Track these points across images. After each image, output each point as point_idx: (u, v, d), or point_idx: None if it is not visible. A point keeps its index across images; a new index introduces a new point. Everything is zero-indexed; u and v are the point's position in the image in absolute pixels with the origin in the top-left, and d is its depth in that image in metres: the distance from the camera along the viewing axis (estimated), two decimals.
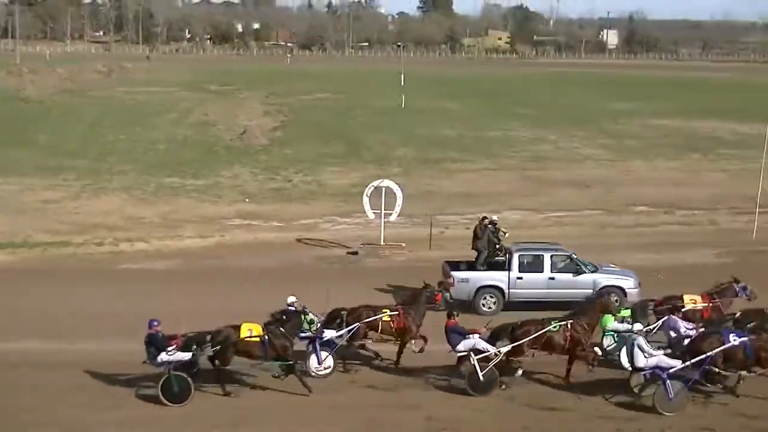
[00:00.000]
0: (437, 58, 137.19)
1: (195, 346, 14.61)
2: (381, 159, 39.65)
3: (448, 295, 18.19)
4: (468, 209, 29.26)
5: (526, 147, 43.49)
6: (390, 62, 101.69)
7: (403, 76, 63.15)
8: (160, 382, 14.51)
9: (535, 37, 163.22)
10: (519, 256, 20.21)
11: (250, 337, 14.86)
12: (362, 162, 38.82)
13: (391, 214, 25.01)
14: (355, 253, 24.73)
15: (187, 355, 14.61)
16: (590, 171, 37.20)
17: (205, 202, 31.02)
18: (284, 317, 15.22)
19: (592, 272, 20.03)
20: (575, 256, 20.20)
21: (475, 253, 20.99)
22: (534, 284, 19.95)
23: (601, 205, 30.90)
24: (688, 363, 14.73)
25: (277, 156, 40.47)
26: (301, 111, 57.98)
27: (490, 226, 21.22)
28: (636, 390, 15.00)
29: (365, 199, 24.98)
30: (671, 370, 14.59)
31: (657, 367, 14.80)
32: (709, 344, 14.87)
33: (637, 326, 15.46)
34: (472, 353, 15.40)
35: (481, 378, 15.27)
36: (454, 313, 16.15)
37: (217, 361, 14.87)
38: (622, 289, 19.76)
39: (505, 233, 21.80)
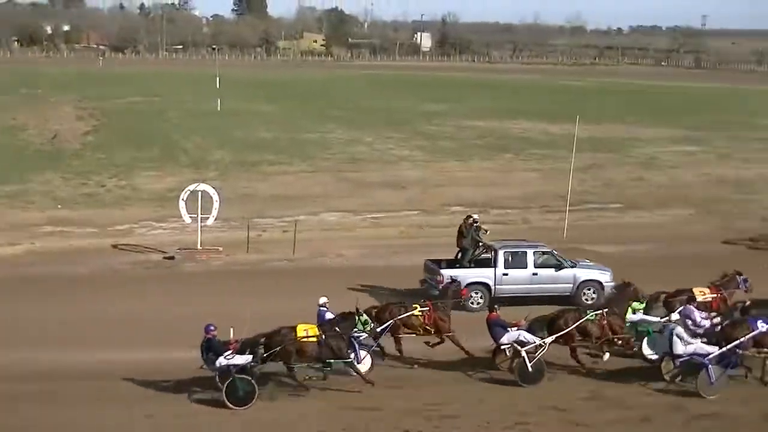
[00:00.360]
0: (253, 61, 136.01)
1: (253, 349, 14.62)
2: (197, 162, 39.23)
3: (437, 292, 18.80)
4: (285, 212, 29.41)
5: (342, 149, 43.95)
6: (205, 65, 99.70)
7: (218, 78, 61.42)
8: (225, 386, 14.45)
9: (350, 39, 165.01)
10: (504, 253, 20.90)
11: (307, 337, 15.08)
12: (178, 166, 38.48)
13: (207, 218, 24.92)
14: (172, 258, 24.57)
15: (245, 358, 14.65)
16: (406, 172, 37.80)
17: (15, 209, 30.23)
18: (338, 318, 15.56)
19: (572, 267, 20.91)
20: (555, 253, 21.08)
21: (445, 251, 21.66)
22: (518, 280, 20.67)
23: (417, 206, 31.48)
24: (725, 348, 15.53)
25: (90, 161, 39.59)
26: (114, 114, 56.24)
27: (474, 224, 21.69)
28: (668, 377, 15.81)
29: (181, 203, 24.86)
30: (710, 356, 15.46)
31: (695, 354, 15.66)
32: (740, 330, 15.80)
33: (674, 316, 16.50)
34: (517, 345, 15.89)
35: (530, 369, 15.76)
36: (496, 306, 16.76)
37: (281, 361, 15.01)
38: (600, 282, 20.73)
39: (486, 231, 22.22)
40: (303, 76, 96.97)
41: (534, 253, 21.16)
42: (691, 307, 17.07)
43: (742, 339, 15.76)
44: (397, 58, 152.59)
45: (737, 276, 18.92)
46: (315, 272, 22.85)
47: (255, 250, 24.60)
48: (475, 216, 22.50)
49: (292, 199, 31.73)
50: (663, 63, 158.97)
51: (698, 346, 15.95)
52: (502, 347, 16.40)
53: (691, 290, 17.98)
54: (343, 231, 26.51)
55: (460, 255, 21.66)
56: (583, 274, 21.05)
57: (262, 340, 15.03)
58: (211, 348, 14.71)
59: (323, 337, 15.21)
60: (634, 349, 16.81)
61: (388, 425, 13.91)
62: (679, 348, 15.86)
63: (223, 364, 14.66)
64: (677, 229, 28.32)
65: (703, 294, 18.10)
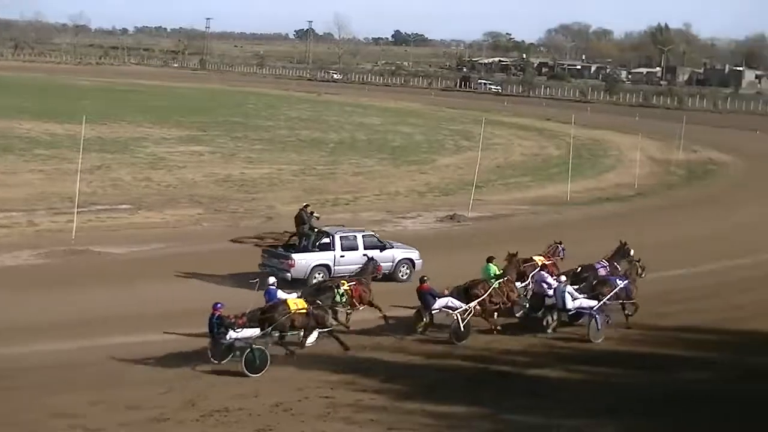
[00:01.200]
0: None
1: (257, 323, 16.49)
2: None
3: (289, 275, 21.95)
4: None
5: None
6: None
7: None
8: (243, 356, 16.07)
9: None
10: (340, 237, 23.43)
11: (298, 310, 17.13)
12: None
13: None
14: None
15: (253, 331, 16.48)
16: None
17: None
18: (318, 291, 18.15)
19: (391, 248, 23.91)
20: (377, 236, 24.13)
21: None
22: (352, 261, 22.77)
23: None
24: (604, 301, 19.29)
25: None
26: None
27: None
28: (551, 329, 19.21)
29: None
30: (594, 308, 19.11)
31: (581, 307, 19.29)
32: (609, 287, 19.68)
33: (563, 278, 19.88)
34: (449, 310, 18.53)
35: (462, 329, 18.52)
36: (425, 278, 19.08)
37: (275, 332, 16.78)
38: (411, 260, 24.14)
39: (318, 217, 24.56)
40: None
41: (362, 236, 23.89)
42: (543, 272, 20.40)
43: (611, 293, 19.48)
44: None
45: (558, 245, 22.83)
46: None
47: None
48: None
49: None
50: (174, 64, 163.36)
51: (582, 301, 19.40)
52: (433, 312, 18.80)
53: (532, 258, 21.60)
54: None
55: (301, 240, 23.88)
56: (399, 253, 24.17)
57: (259, 312, 16.79)
58: (223, 324, 16.33)
59: (311, 309, 17.27)
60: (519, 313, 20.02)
61: None
62: (570, 303, 19.33)
63: (234, 337, 16.34)
64: (186, 229, 28.85)
65: (542, 261, 21.37)
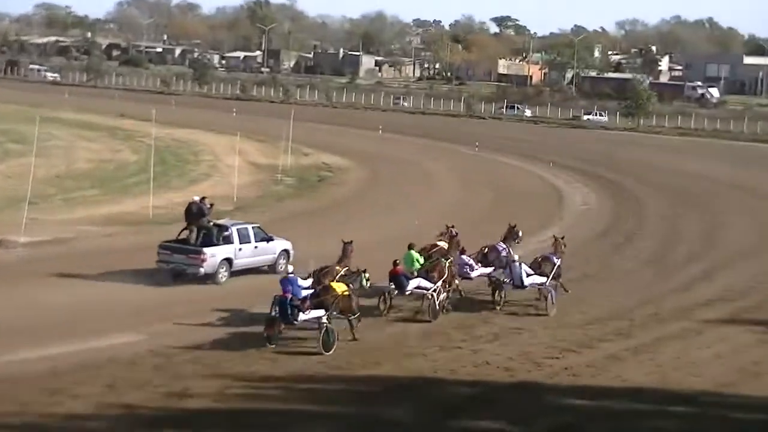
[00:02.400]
0: None
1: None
2: None
3: (202, 270, 28.70)
4: None
5: None
6: None
7: None
8: (321, 335, 22.67)
9: None
10: (237, 230, 30.01)
11: (344, 293, 23.98)
12: None
13: None
14: None
15: (319, 312, 23.22)
16: None
17: None
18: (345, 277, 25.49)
19: (272, 240, 30.93)
20: (262, 228, 31.10)
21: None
22: (247, 253, 30.00)
23: None
24: (551, 277, 27.94)
25: None
26: None
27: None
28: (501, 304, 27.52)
29: None
30: (547, 284, 27.74)
31: (534, 283, 27.73)
32: (551, 264, 28.18)
33: (516, 256, 28.49)
34: (423, 290, 26.31)
35: (437, 307, 26.18)
36: (397, 261, 26.47)
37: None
38: (288, 251, 31.32)
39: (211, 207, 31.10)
40: None
41: (252, 228, 30.77)
42: (464, 256, 28.83)
43: (555, 269, 28.01)
44: None
45: (452, 228, 30.11)
46: None
47: None
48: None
49: None
50: None
51: (535, 277, 27.78)
52: (407, 293, 26.38)
53: (436, 244, 29.25)
54: None
55: (199, 234, 29.71)
56: (280, 245, 31.30)
57: (314, 297, 23.57)
58: (294, 305, 22.86)
59: (352, 293, 24.12)
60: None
61: None
62: (526, 280, 27.58)
63: (305, 318, 22.97)
64: None
65: (445, 243, 29.21)
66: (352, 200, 48.37)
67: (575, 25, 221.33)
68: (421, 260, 27.22)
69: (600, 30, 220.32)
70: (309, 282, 25.04)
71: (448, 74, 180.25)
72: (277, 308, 22.83)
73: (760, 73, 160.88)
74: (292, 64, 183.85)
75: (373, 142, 78.35)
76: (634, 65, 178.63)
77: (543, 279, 27.76)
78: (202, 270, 28.68)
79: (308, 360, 22.14)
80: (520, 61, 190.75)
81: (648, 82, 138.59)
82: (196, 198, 31.23)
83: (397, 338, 24.48)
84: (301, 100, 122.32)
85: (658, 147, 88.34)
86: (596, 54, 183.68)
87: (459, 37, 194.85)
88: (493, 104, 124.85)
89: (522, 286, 27.58)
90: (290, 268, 25.03)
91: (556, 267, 28.11)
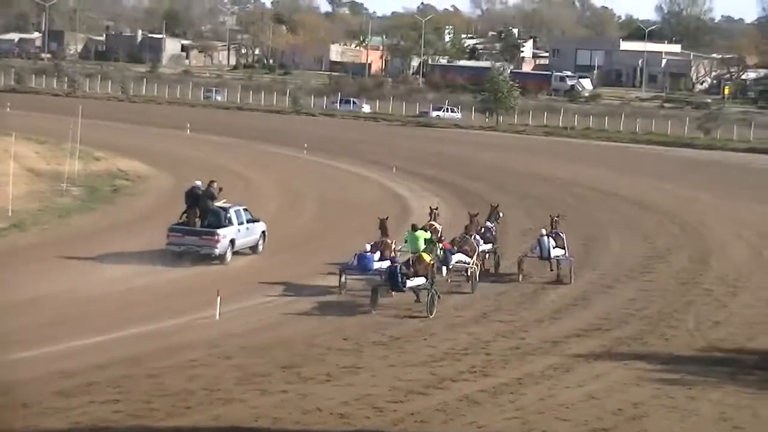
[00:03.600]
0: None
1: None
2: None
3: (216, 251, 37.36)
4: None
5: None
6: None
7: None
8: (428, 298, 31.84)
9: None
10: (235, 212, 38.78)
11: (430, 262, 32.91)
12: None
13: None
14: None
15: (421, 280, 32.32)
16: None
17: None
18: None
19: (257, 221, 40.34)
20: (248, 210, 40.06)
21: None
22: (243, 234, 39.02)
23: None
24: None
25: None
26: None
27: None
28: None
29: None
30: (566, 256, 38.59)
31: (558, 256, 38.24)
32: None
33: (543, 230, 38.80)
34: (464, 264, 36.09)
35: (477, 279, 36.08)
36: (443, 238, 36.48)
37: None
38: (264, 232, 40.56)
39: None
40: None
41: (244, 210, 39.43)
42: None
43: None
44: None
45: (435, 210, 41.10)
46: None
47: None
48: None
49: None
50: None
51: (557, 249, 38.04)
52: (450, 267, 35.68)
53: (432, 224, 38.50)
54: None
55: (206, 217, 37.97)
56: (260, 226, 40.21)
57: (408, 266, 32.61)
58: (403, 273, 32.03)
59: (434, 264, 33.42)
60: None
61: None
62: (552, 252, 37.76)
63: (412, 285, 32.30)
64: None
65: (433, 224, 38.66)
66: (156, 214, 47.78)
67: (422, 4, 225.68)
68: (426, 236, 34.59)
69: (452, 9, 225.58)
70: (377, 255, 34.57)
71: (270, 62, 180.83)
72: (386, 277, 32.45)
73: (639, 62, 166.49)
74: (79, 48, 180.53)
75: (180, 143, 77.95)
76: (492, 51, 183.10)
77: (562, 251, 38.44)
78: (216, 251, 37.39)
79: (124, 405, 21.93)
80: (356, 46, 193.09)
81: (509, 71, 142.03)
82: (199, 182, 39.09)
83: (208, 381, 24.35)
84: (91, 93, 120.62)
85: (521, 148, 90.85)
86: (447, 38, 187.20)
87: (283, 17, 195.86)
88: (325, 98, 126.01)
89: (549, 257, 38.12)
90: (367, 247, 34.59)
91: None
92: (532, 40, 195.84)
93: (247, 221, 39.43)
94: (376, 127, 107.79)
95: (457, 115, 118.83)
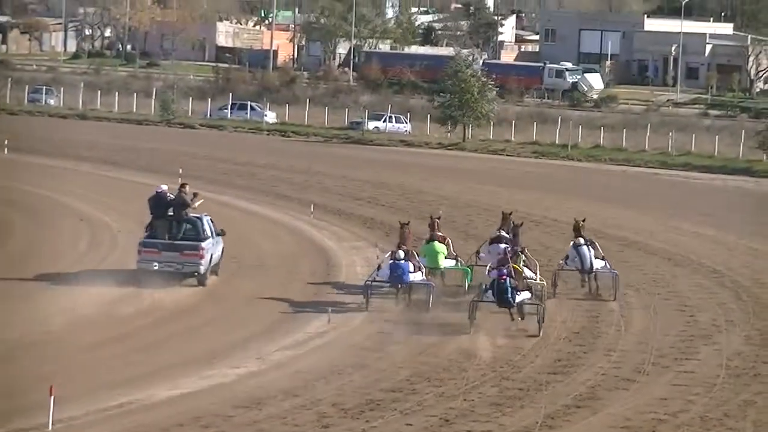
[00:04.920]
0: None
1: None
2: None
3: (202, 268, 46.37)
4: None
5: None
6: None
7: None
8: (538, 314, 42.35)
9: None
10: (207, 222, 47.88)
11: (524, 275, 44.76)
12: None
13: None
14: None
15: (526, 294, 43.41)
16: None
17: None
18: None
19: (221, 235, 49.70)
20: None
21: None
22: (214, 244, 47.93)
23: None
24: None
25: None
26: None
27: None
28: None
29: None
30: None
31: (598, 268, 49.24)
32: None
33: (582, 240, 49.58)
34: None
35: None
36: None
37: None
38: (223, 247, 50.22)
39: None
40: None
41: (212, 220, 48.41)
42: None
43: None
44: None
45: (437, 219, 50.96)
46: None
47: None
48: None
49: None
50: None
51: (598, 261, 48.47)
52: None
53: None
54: None
55: (180, 227, 46.91)
56: (219, 239, 49.13)
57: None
58: (513, 287, 41.77)
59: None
60: None
61: None
62: (595, 263, 48.59)
63: (518, 300, 42.29)
64: None
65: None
66: None
67: None
68: (443, 249, 47.67)
69: None
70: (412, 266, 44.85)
71: (129, 48, 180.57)
72: (493, 291, 41.66)
73: (672, 48, 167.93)
74: None
75: None
76: (456, 33, 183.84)
77: (603, 262, 48.56)
78: (201, 268, 45.52)
79: None
80: (255, 25, 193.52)
81: (482, 62, 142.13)
82: (164, 187, 45.91)
83: None
84: None
85: (498, 176, 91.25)
86: (390, 12, 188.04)
87: None
88: (209, 102, 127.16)
89: (591, 270, 47.57)
90: (401, 254, 44.33)
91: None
92: (514, 16, 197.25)
93: (217, 233, 48.42)
94: (287, 145, 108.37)
95: (405, 126, 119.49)
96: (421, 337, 41.52)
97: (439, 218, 50.88)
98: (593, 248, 48.77)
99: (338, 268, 53.25)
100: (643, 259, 59.11)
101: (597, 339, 42.43)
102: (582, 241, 48.47)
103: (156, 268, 45.27)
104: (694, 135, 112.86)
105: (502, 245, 46.70)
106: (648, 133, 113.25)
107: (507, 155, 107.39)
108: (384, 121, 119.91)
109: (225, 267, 50.27)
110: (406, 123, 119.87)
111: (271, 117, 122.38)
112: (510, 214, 51.27)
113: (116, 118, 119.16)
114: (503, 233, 49.32)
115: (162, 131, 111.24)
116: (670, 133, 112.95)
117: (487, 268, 45.44)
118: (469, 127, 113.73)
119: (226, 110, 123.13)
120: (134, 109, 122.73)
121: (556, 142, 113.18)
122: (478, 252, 50.42)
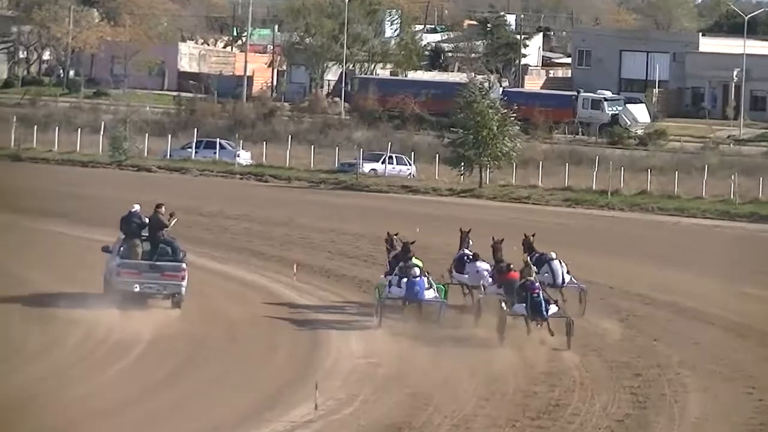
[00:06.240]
0: None
1: None
2: None
3: (183, 289, 54.42)
4: None
5: None
6: None
7: None
8: (568, 327, 52.13)
9: None
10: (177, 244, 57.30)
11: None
12: None
13: None
14: None
15: (555, 307, 53.98)
16: None
17: None
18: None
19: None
20: None
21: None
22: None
23: None
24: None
25: None
26: None
27: None
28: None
29: None
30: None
31: (572, 281, 61.46)
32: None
33: (553, 254, 60.77)
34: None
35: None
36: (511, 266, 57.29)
37: None
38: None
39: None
40: None
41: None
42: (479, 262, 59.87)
43: None
44: None
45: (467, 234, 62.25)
46: None
47: None
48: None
49: None
50: None
51: (568, 275, 59.15)
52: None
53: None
54: None
55: (156, 250, 55.03)
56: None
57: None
58: (546, 300, 53.05)
59: None
60: None
61: None
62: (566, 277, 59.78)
63: (552, 312, 52.60)
64: None
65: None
66: None
67: None
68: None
69: None
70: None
71: (71, 74, 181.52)
72: (527, 305, 50.41)
73: (734, 74, 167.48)
74: None
75: None
76: (470, 55, 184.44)
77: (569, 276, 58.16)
78: (183, 289, 52.80)
79: None
80: (226, 45, 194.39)
81: (501, 90, 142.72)
82: (137, 207, 53.26)
83: None
84: None
85: (523, 227, 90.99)
86: (390, 31, 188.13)
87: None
88: (170, 139, 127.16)
89: (563, 284, 56.14)
90: (416, 271, 52.58)
91: None
92: (541, 35, 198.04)
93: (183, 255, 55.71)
94: (264, 192, 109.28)
95: (409, 169, 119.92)
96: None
97: (468, 231, 63.06)
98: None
99: (326, 340, 53.31)
100: (698, 329, 59.23)
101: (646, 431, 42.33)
102: (554, 255, 58.17)
103: (137, 289, 52.82)
104: (761, 179, 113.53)
105: (483, 264, 58.15)
106: (705, 177, 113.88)
107: (533, 203, 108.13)
108: (382, 162, 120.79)
109: (188, 339, 50.20)
110: (410, 165, 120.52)
111: (245, 157, 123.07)
112: (468, 231, 62.55)
113: (56, 159, 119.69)
114: (467, 251, 60.81)
115: (112, 175, 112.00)
116: (733, 177, 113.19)
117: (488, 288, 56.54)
118: (486, 169, 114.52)
119: (190, 149, 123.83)
120: (78, 149, 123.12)
121: (593, 187, 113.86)
122: (450, 270, 61.09)
